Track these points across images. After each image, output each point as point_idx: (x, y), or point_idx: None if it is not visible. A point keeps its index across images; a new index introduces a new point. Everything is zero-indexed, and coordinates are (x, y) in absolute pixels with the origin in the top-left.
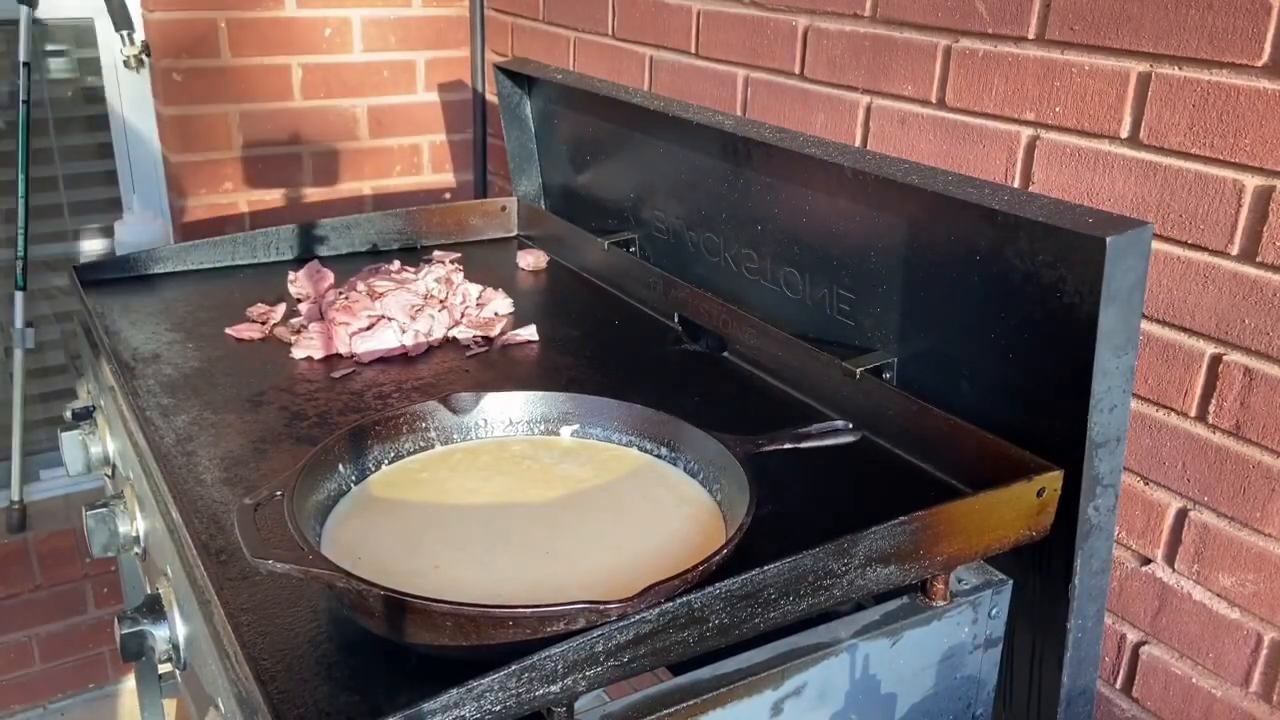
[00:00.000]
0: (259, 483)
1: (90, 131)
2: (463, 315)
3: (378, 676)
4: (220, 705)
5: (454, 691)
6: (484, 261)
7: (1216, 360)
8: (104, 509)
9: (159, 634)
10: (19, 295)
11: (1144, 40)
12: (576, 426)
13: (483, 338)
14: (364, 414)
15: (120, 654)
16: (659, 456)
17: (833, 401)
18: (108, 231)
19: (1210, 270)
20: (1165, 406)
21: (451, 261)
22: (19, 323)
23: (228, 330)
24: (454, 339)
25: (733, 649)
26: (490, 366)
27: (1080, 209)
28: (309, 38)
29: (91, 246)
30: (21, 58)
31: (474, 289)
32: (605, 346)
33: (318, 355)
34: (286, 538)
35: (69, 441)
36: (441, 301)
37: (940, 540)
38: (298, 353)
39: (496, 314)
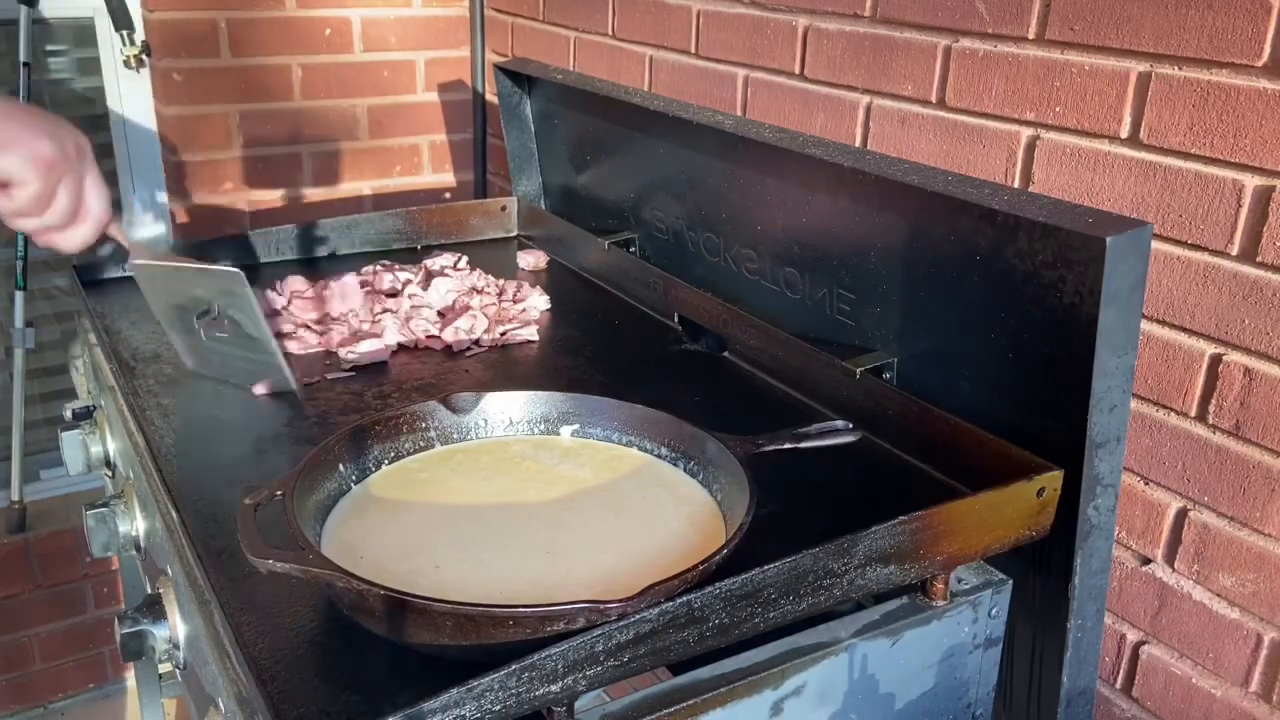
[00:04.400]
0: (259, 483)
1: (90, 131)
2: (500, 313)
3: (378, 676)
4: (220, 705)
5: (454, 691)
6: (484, 261)
7: (1216, 360)
8: (104, 509)
9: (159, 634)
10: (19, 295)
11: (1144, 40)
12: (576, 426)
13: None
14: (364, 414)
15: (120, 654)
16: (659, 456)
17: (833, 401)
18: None
19: (1210, 270)
20: (1165, 406)
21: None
22: (19, 323)
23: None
24: (493, 338)
25: (733, 649)
26: (490, 366)
27: (1080, 209)
28: (309, 38)
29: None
30: (21, 58)
31: (510, 286)
32: (605, 346)
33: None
34: (287, 537)
35: (69, 441)
36: (495, 297)
37: (940, 540)
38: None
39: (539, 312)
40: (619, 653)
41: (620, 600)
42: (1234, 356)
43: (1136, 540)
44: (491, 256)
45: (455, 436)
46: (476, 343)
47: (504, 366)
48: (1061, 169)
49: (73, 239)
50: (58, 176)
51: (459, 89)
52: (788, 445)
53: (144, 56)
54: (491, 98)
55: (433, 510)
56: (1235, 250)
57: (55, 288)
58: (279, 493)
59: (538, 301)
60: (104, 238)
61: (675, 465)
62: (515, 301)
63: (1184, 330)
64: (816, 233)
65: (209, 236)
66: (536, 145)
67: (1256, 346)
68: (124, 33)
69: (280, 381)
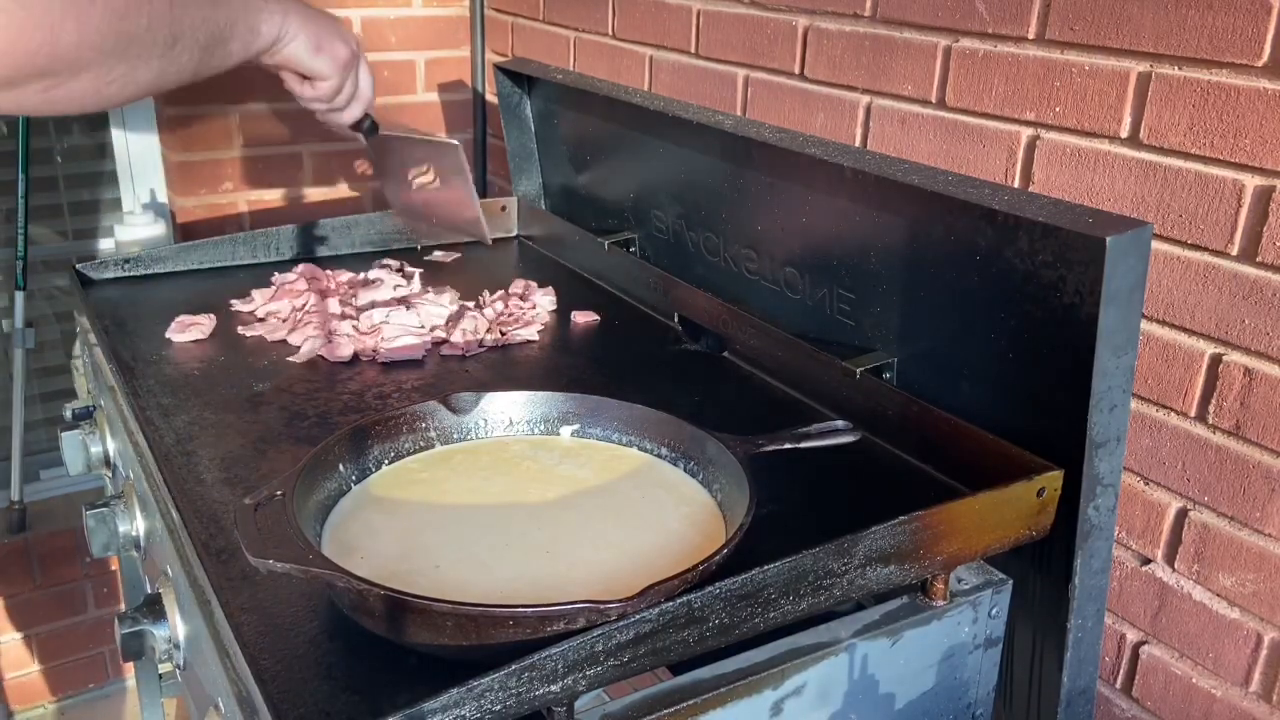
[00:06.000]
0: (259, 483)
1: (90, 131)
2: (510, 313)
3: (378, 676)
4: (220, 705)
5: (454, 691)
6: (484, 261)
7: (1216, 360)
8: (104, 509)
9: (159, 634)
10: (19, 295)
11: (1144, 40)
12: (576, 426)
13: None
14: (364, 414)
15: (120, 654)
16: (659, 456)
17: (833, 401)
18: (108, 231)
19: (1210, 270)
20: (1165, 406)
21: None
22: (19, 323)
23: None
24: (499, 338)
25: (733, 649)
26: (490, 366)
27: (1080, 209)
28: None
29: (91, 246)
30: None
31: (518, 284)
32: (605, 346)
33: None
34: (287, 537)
35: (69, 441)
36: (501, 299)
37: (940, 540)
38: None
39: (548, 313)
40: (619, 653)
41: (620, 600)
42: (1234, 356)
43: (1136, 540)
44: (492, 257)
45: (455, 436)
46: (479, 343)
47: (504, 366)
48: (1061, 169)
49: (348, 117)
50: (348, 72)
51: (459, 89)
52: (788, 445)
53: None
54: (491, 98)
55: (433, 510)
56: (1235, 250)
57: (55, 288)
58: (279, 493)
59: (545, 301)
60: (365, 114)
61: (675, 465)
62: (523, 299)
63: (1184, 330)
64: (816, 233)
65: (209, 236)
66: (536, 145)
67: (1256, 346)
68: None
69: (475, 231)
